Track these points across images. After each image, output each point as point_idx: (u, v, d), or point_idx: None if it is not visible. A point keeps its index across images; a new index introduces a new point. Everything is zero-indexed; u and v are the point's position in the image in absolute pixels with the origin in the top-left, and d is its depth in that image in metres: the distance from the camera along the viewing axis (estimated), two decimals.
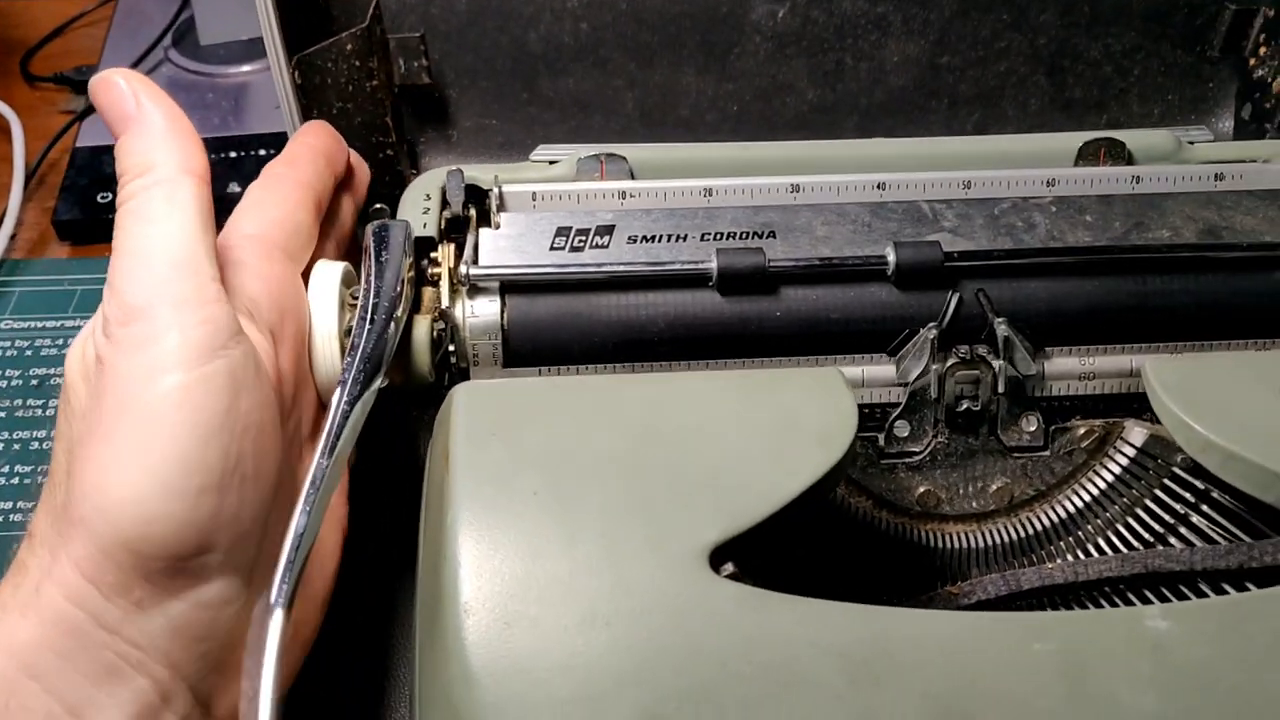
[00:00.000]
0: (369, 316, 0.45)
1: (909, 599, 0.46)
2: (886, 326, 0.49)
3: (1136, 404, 0.50)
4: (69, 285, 0.81)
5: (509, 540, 0.39)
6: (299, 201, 0.48)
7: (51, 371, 0.75)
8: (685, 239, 0.51)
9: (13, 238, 0.84)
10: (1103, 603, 0.45)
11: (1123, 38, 0.65)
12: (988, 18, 0.64)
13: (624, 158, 0.57)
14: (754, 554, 0.40)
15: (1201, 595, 0.44)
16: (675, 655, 0.36)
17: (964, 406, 0.49)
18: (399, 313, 0.46)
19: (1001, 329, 0.49)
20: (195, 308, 0.39)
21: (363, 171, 0.56)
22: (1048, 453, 0.50)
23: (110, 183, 0.79)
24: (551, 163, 0.58)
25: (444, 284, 0.50)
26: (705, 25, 0.63)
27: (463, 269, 0.49)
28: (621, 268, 0.49)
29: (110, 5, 1.01)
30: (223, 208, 0.48)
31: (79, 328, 0.44)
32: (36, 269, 0.82)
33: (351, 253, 0.54)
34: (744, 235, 0.51)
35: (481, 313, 0.49)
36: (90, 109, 0.89)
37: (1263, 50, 0.65)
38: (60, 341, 0.77)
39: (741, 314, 0.49)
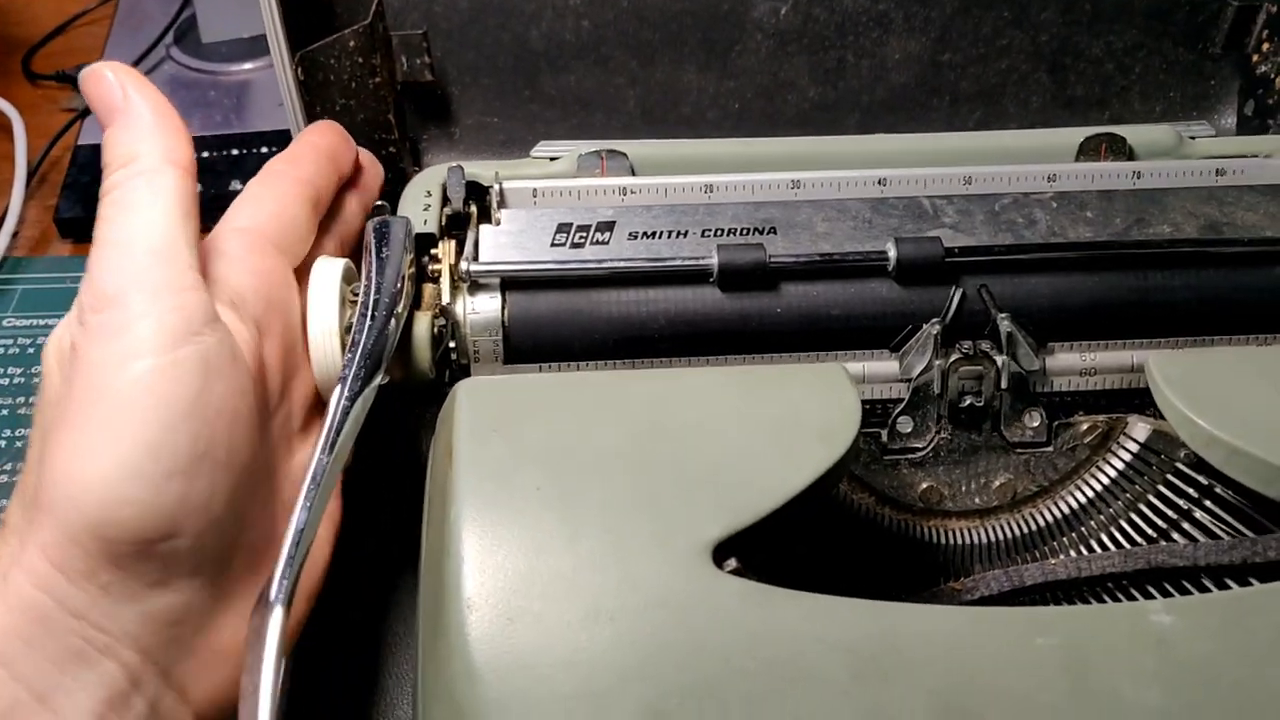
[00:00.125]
0: (369, 313, 0.45)
1: (912, 595, 0.46)
2: (888, 322, 0.49)
3: (1139, 399, 0.50)
4: (71, 283, 0.81)
5: (512, 536, 0.39)
6: (295, 197, 0.48)
7: None
8: (686, 235, 0.51)
9: (15, 235, 0.84)
10: (1106, 599, 0.45)
11: (1124, 35, 0.65)
12: (989, 15, 0.64)
13: (624, 154, 0.57)
14: (757, 550, 0.40)
15: (1205, 591, 0.44)
16: (679, 651, 0.36)
17: (967, 402, 0.49)
18: (399, 309, 0.46)
19: (1004, 324, 0.49)
20: (169, 295, 0.39)
21: (374, 172, 0.56)
22: (1051, 448, 0.50)
23: None
24: (552, 159, 0.58)
25: (445, 280, 0.50)
26: (706, 23, 0.63)
27: (463, 265, 0.49)
28: (622, 264, 0.49)
29: (112, 3, 1.01)
30: (225, 205, 0.48)
31: None
32: (38, 267, 0.82)
33: (356, 250, 0.54)
34: (745, 231, 0.51)
35: (482, 309, 0.49)
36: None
37: (1265, 46, 0.64)
38: None
39: (742, 310, 0.49)
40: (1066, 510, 0.49)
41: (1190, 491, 0.47)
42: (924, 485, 0.50)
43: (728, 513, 0.39)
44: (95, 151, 0.86)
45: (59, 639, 0.38)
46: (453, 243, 0.51)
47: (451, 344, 0.49)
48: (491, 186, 0.53)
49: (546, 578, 0.38)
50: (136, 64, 0.93)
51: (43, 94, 0.95)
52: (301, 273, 0.48)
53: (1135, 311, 0.50)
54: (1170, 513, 0.47)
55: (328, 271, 0.48)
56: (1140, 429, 0.49)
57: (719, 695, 0.36)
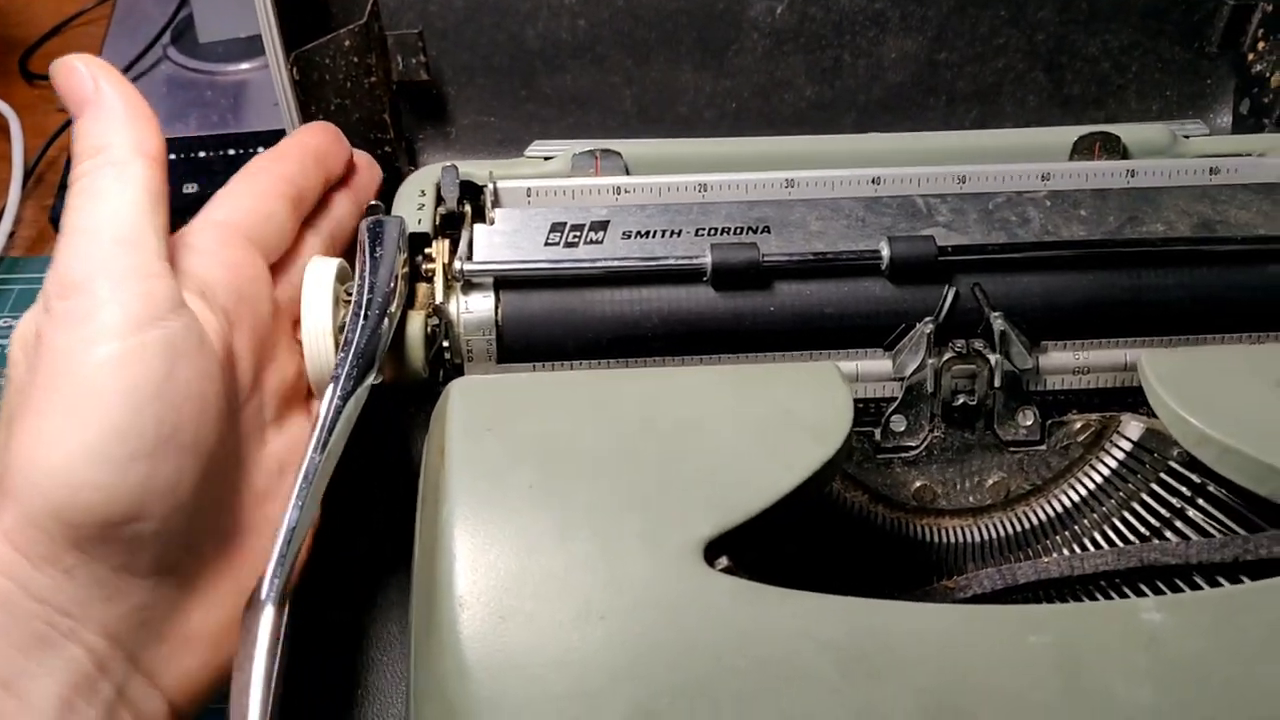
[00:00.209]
0: (362, 312, 0.45)
1: (905, 593, 0.46)
2: (881, 321, 0.49)
3: (1132, 398, 0.50)
4: None
5: (504, 535, 0.39)
6: (274, 193, 0.48)
7: None
8: (679, 234, 0.51)
9: (11, 235, 0.84)
10: (1099, 597, 0.45)
11: (1120, 34, 0.65)
12: (985, 14, 0.64)
13: (619, 153, 0.57)
14: (749, 548, 0.40)
15: (1197, 589, 0.44)
16: (670, 650, 0.36)
17: (960, 401, 0.49)
18: (393, 308, 0.46)
19: (998, 323, 0.49)
20: (135, 281, 0.39)
21: (370, 174, 0.56)
22: (1044, 447, 0.50)
23: None
24: (546, 158, 0.59)
25: (438, 280, 0.50)
26: (702, 22, 0.63)
27: (457, 264, 0.49)
28: (616, 263, 0.49)
29: (109, 3, 1.01)
30: None
31: None
32: (35, 266, 0.83)
33: (351, 250, 0.54)
34: (738, 230, 0.51)
35: (476, 308, 0.49)
36: None
37: (1261, 45, 0.64)
38: None
39: (736, 309, 0.49)
40: (1060, 509, 0.49)
41: (1183, 490, 0.47)
42: (917, 484, 0.50)
43: (719, 511, 0.39)
44: None
45: (23, 624, 0.38)
46: (446, 242, 0.51)
47: (445, 343, 0.49)
48: (486, 186, 0.53)
49: (538, 576, 0.38)
50: (133, 64, 0.93)
51: (40, 94, 0.95)
52: (281, 269, 0.48)
53: (1128, 310, 0.50)
54: (1163, 511, 0.47)
55: (322, 271, 0.48)
56: (1133, 427, 0.49)
57: (710, 694, 0.36)
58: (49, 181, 0.88)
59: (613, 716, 0.35)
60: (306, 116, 0.58)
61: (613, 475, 0.41)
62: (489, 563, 0.38)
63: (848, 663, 0.36)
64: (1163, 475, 0.48)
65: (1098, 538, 0.48)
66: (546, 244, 0.50)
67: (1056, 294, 0.50)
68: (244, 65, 0.93)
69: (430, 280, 0.50)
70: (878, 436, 0.50)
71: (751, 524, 0.40)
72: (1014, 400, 0.50)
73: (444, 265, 0.50)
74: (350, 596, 0.51)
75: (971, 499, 0.50)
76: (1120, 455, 0.49)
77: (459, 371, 0.49)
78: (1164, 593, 0.44)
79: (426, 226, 0.52)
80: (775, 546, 0.42)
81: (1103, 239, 0.51)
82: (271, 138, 0.86)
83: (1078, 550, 0.48)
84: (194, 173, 0.83)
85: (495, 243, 0.50)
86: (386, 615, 0.51)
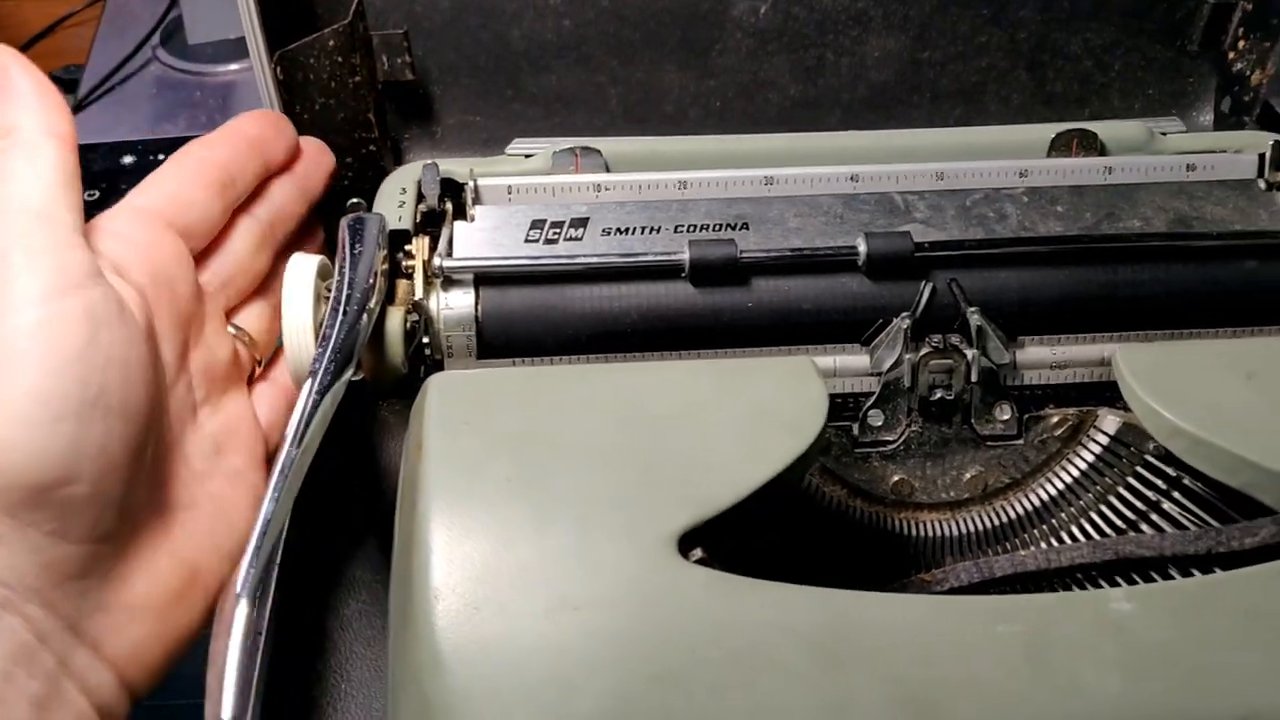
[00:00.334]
0: (340, 308, 0.45)
1: (883, 587, 0.47)
2: (859, 317, 0.50)
3: (1109, 393, 0.50)
4: None
5: (480, 527, 0.39)
6: (200, 180, 0.48)
7: None
8: (659, 231, 0.51)
9: None
10: (1075, 590, 0.46)
11: (1102, 32, 0.65)
12: (967, 13, 0.64)
13: (599, 151, 0.57)
14: (724, 539, 0.40)
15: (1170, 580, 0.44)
16: (644, 640, 0.37)
17: (938, 396, 0.50)
18: (371, 304, 0.46)
19: (974, 318, 0.49)
20: (50, 253, 0.40)
21: (319, 160, 0.56)
22: (1021, 441, 0.51)
23: (96, 180, 0.80)
24: (527, 156, 0.59)
25: (418, 276, 0.50)
26: (686, 22, 0.63)
27: (436, 261, 0.49)
28: (595, 259, 0.50)
29: (99, 5, 1.02)
30: None
31: None
32: None
33: (333, 247, 0.54)
34: (717, 227, 0.51)
35: (455, 305, 0.49)
36: (78, 108, 0.90)
37: (1241, 44, 0.65)
38: None
39: (714, 305, 0.49)
40: (1037, 502, 0.50)
41: (1159, 483, 0.47)
42: (895, 478, 0.50)
43: (693, 503, 0.40)
44: (81, 152, 0.87)
45: None
46: (426, 239, 0.52)
47: (425, 339, 0.49)
48: (466, 183, 0.54)
49: (514, 568, 0.38)
50: (123, 64, 0.94)
51: None
52: (208, 254, 0.49)
53: (1105, 305, 0.51)
54: (1139, 504, 0.47)
55: (303, 268, 0.48)
56: (1110, 422, 0.50)
57: (683, 684, 0.36)
58: None
59: (586, 706, 0.35)
60: (291, 116, 0.58)
61: (588, 469, 0.41)
62: (464, 554, 0.39)
63: (818, 652, 0.36)
64: (1139, 469, 0.48)
65: (1075, 531, 0.48)
66: (526, 240, 0.51)
67: (1033, 289, 0.50)
68: (233, 66, 0.94)
69: (411, 277, 0.50)
70: (856, 431, 0.50)
71: (726, 516, 0.40)
72: (991, 395, 0.50)
73: (424, 262, 0.50)
74: (333, 590, 0.51)
75: (950, 493, 0.51)
76: (1097, 449, 0.50)
77: (439, 367, 0.49)
78: (1137, 584, 0.44)
79: (407, 224, 0.52)
80: (754, 539, 0.42)
81: (1079, 235, 0.52)
82: None
83: (1055, 543, 0.48)
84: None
85: (475, 239, 0.51)
86: (370, 609, 0.51)
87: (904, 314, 0.49)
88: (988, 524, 0.50)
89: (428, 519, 0.40)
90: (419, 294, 0.49)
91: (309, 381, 0.43)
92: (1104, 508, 0.48)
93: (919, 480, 0.50)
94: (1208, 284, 0.51)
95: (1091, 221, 0.52)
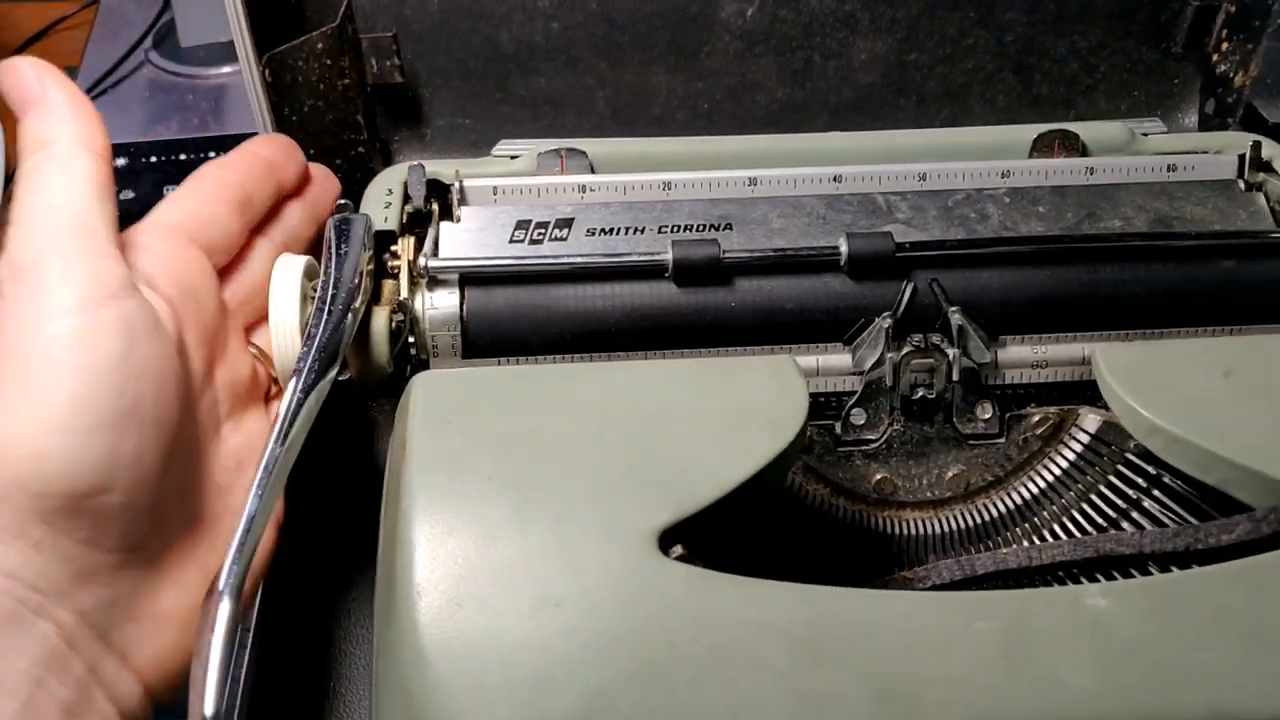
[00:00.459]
0: (326, 307, 0.46)
1: (866, 584, 0.47)
2: (841, 316, 0.50)
3: (1090, 391, 0.50)
4: None
5: (463, 524, 0.40)
6: (220, 197, 0.49)
7: None
8: (643, 231, 0.52)
9: None
10: (1055, 587, 0.46)
11: (1088, 35, 0.66)
12: (954, 15, 0.64)
13: (584, 152, 0.58)
14: (704, 536, 0.41)
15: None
16: (625, 636, 0.37)
17: (919, 395, 0.50)
18: (357, 304, 0.47)
19: (955, 318, 0.49)
20: (86, 262, 0.40)
21: (327, 185, 0.56)
22: (1003, 440, 0.51)
23: None
24: (513, 157, 0.59)
25: (403, 276, 0.50)
26: (674, 24, 0.64)
27: (421, 261, 0.49)
28: (579, 260, 0.50)
29: (92, 8, 1.02)
30: None
31: None
32: None
33: (317, 249, 0.54)
34: (701, 228, 0.52)
35: (441, 304, 0.49)
36: None
37: (1225, 46, 0.65)
38: None
39: (697, 304, 0.50)
40: (1019, 501, 0.50)
41: (1139, 481, 0.47)
42: (878, 476, 0.51)
43: (674, 501, 0.40)
44: None
45: None
46: (412, 239, 0.52)
47: (411, 339, 0.50)
48: (452, 184, 0.54)
49: (496, 565, 0.39)
50: (115, 68, 0.94)
51: None
52: (229, 272, 0.49)
53: (1085, 305, 0.51)
54: (1120, 502, 0.48)
55: (290, 269, 0.49)
56: (1091, 420, 0.50)
57: (663, 680, 0.36)
58: None
59: (567, 702, 0.36)
60: (279, 118, 0.59)
61: (570, 466, 0.41)
62: (447, 551, 0.39)
63: (797, 649, 0.37)
64: (1120, 467, 0.48)
65: (1056, 529, 0.48)
66: (512, 241, 0.51)
67: (1014, 289, 0.51)
68: (225, 69, 0.94)
69: (396, 277, 0.51)
70: (838, 430, 0.51)
71: (707, 513, 0.40)
72: (972, 394, 0.50)
73: (409, 262, 0.51)
74: (321, 590, 0.51)
75: (932, 492, 0.51)
76: (1078, 448, 0.50)
77: (424, 367, 0.50)
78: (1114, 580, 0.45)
79: (393, 224, 0.53)
80: (737, 537, 0.42)
81: (1060, 235, 0.52)
82: None
83: (1037, 541, 0.48)
84: (175, 175, 0.84)
85: (461, 240, 0.51)
86: (357, 608, 0.51)
87: (885, 314, 0.49)
88: (970, 522, 0.50)
89: (411, 516, 0.40)
90: (404, 294, 0.50)
91: (293, 380, 0.43)
92: (1085, 505, 0.48)
93: (901, 479, 0.51)
94: (1187, 283, 0.51)
95: (1073, 222, 0.53)
